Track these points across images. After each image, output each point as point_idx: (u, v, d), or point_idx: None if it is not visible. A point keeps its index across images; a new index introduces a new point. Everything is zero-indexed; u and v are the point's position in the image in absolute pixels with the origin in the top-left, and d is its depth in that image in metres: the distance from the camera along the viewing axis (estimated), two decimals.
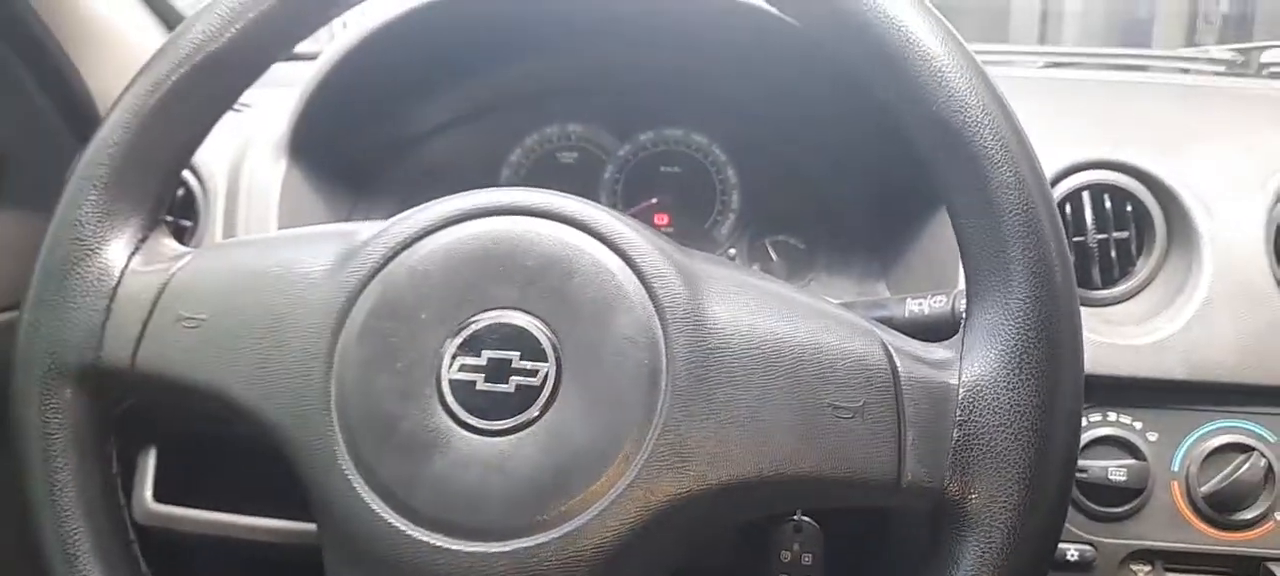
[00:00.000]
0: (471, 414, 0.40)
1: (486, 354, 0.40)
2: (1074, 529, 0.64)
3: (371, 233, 0.44)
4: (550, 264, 0.42)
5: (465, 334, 0.41)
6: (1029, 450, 0.39)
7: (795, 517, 0.63)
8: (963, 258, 0.41)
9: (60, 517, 0.44)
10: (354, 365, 0.41)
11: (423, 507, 0.39)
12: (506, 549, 0.38)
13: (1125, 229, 0.66)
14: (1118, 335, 0.63)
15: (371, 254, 0.43)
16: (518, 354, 0.40)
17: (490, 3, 0.73)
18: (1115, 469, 0.62)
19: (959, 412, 0.39)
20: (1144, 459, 0.63)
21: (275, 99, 0.73)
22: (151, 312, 0.44)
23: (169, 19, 0.90)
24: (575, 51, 0.79)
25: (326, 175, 0.76)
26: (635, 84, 0.81)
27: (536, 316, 0.41)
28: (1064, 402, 0.40)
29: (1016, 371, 0.39)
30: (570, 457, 0.39)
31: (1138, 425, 0.64)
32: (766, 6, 0.46)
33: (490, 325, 0.41)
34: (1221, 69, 0.96)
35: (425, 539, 0.39)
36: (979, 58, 0.42)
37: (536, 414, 0.40)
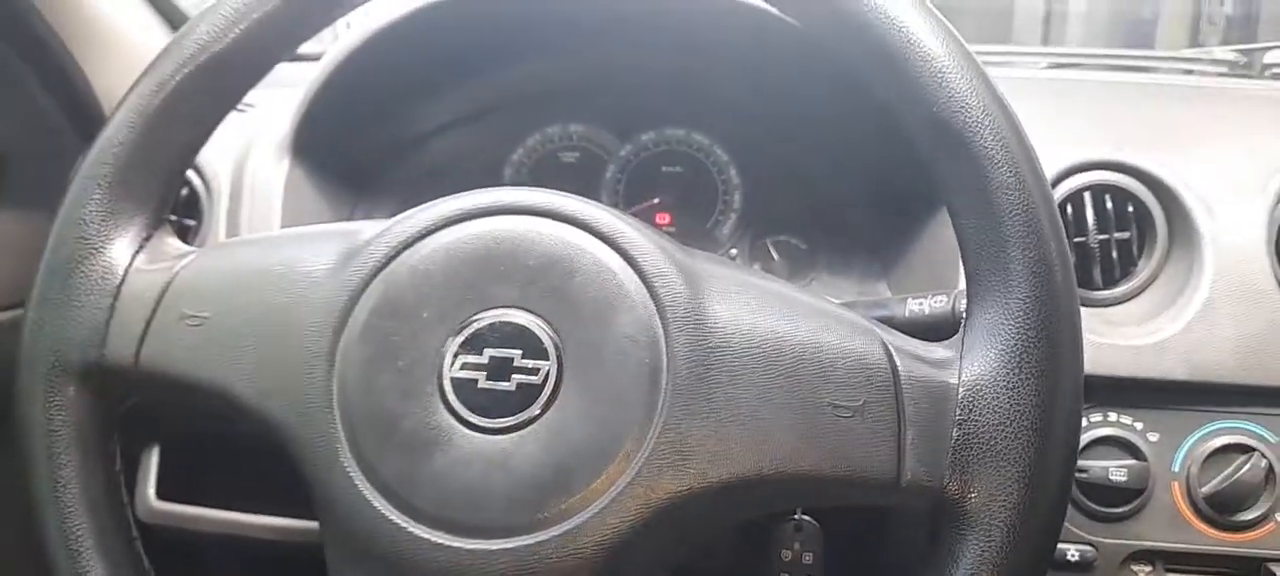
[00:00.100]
0: (473, 412, 0.40)
1: (488, 352, 0.41)
2: (1074, 529, 0.64)
3: (374, 232, 0.44)
4: (552, 263, 0.42)
5: (467, 332, 0.41)
6: (1029, 449, 0.39)
7: (795, 516, 0.63)
8: (963, 257, 0.42)
9: (63, 514, 0.44)
10: (356, 363, 0.41)
11: (424, 505, 0.39)
12: (508, 546, 0.38)
13: (1126, 229, 0.66)
14: (1119, 335, 0.64)
15: (374, 253, 0.43)
16: (519, 352, 0.41)
17: (493, 3, 0.74)
18: (1116, 469, 0.62)
19: (959, 412, 0.39)
20: (1145, 459, 0.63)
21: (279, 99, 0.73)
22: (155, 311, 0.45)
23: (173, 19, 0.90)
24: (577, 52, 0.79)
25: (329, 175, 0.76)
26: (637, 84, 0.81)
27: (538, 315, 0.41)
28: (1064, 402, 0.40)
29: (1016, 371, 0.39)
30: (571, 455, 0.39)
31: (1138, 425, 0.64)
32: (767, 7, 0.46)
33: (492, 323, 0.41)
34: (1224, 70, 0.96)
35: (427, 536, 0.39)
36: (982, 58, 0.42)
37: (538, 412, 0.40)
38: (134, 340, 0.44)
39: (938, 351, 0.42)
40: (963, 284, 0.43)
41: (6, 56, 0.76)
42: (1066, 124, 0.70)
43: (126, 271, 0.46)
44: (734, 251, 0.79)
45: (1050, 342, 0.39)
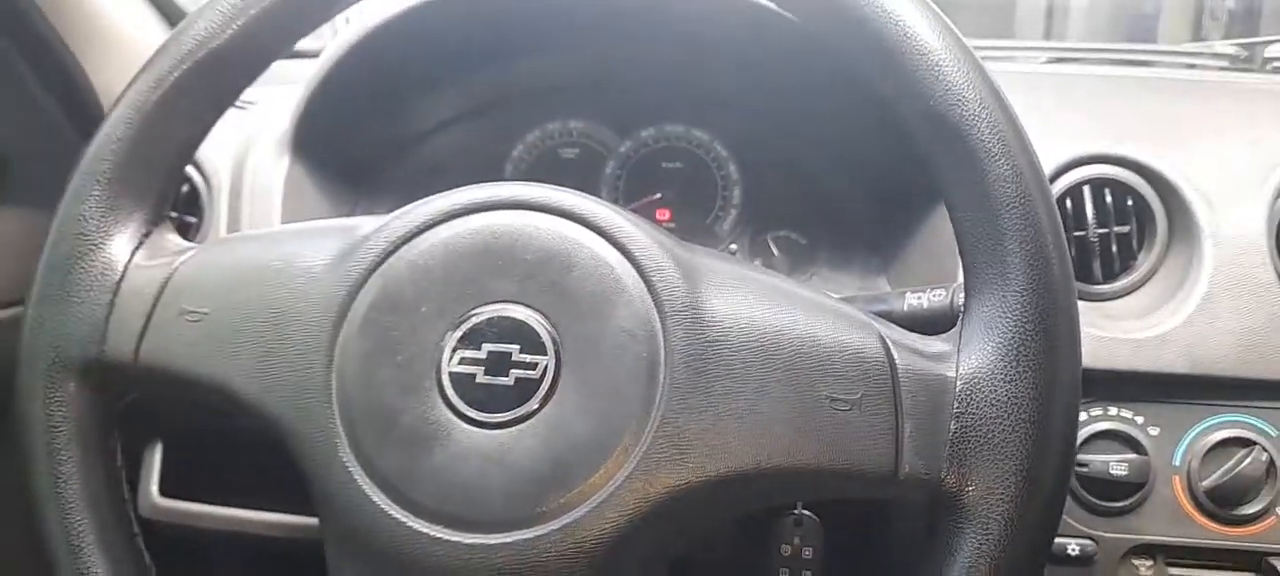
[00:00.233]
0: (471, 407, 0.40)
1: (486, 347, 0.41)
2: (1075, 523, 0.64)
3: (372, 227, 0.44)
4: (549, 258, 0.42)
5: (465, 327, 0.41)
6: (1026, 442, 0.39)
7: (795, 511, 0.63)
8: (960, 251, 0.42)
9: (64, 511, 0.44)
10: (355, 358, 0.41)
11: (423, 500, 0.39)
12: (506, 540, 0.38)
13: (1126, 223, 0.66)
14: (1119, 329, 0.63)
15: (372, 248, 0.43)
16: (517, 347, 0.41)
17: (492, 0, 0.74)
18: (1116, 463, 0.62)
19: (956, 405, 0.39)
20: (1145, 453, 0.63)
21: (279, 96, 0.74)
22: (154, 307, 0.45)
23: (172, 16, 0.90)
24: (577, 48, 0.79)
25: (329, 172, 0.76)
26: (637, 80, 0.81)
27: (536, 310, 0.41)
28: (1061, 395, 0.40)
29: (1014, 364, 0.39)
30: (569, 450, 0.39)
31: (1139, 419, 0.64)
32: (766, 2, 0.46)
33: (490, 318, 0.41)
34: (1226, 64, 0.95)
35: (425, 531, 0.39)
36: (982, 53, 0.42)
37: (536, 406, 0.40)
38: (134, 336, 0.44)
39: (935, 345, 0.42)
40: (961, 278, 0.43)
41: (6, 54, 0.76)
42: (1067, 118, 0.70)
43: (126, 267, 0.46)
44: (734, 247, 0.79)
45: (1047, 335, 0.39)
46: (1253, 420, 0.63)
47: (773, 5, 0.46)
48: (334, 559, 0.43)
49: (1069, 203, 0.66)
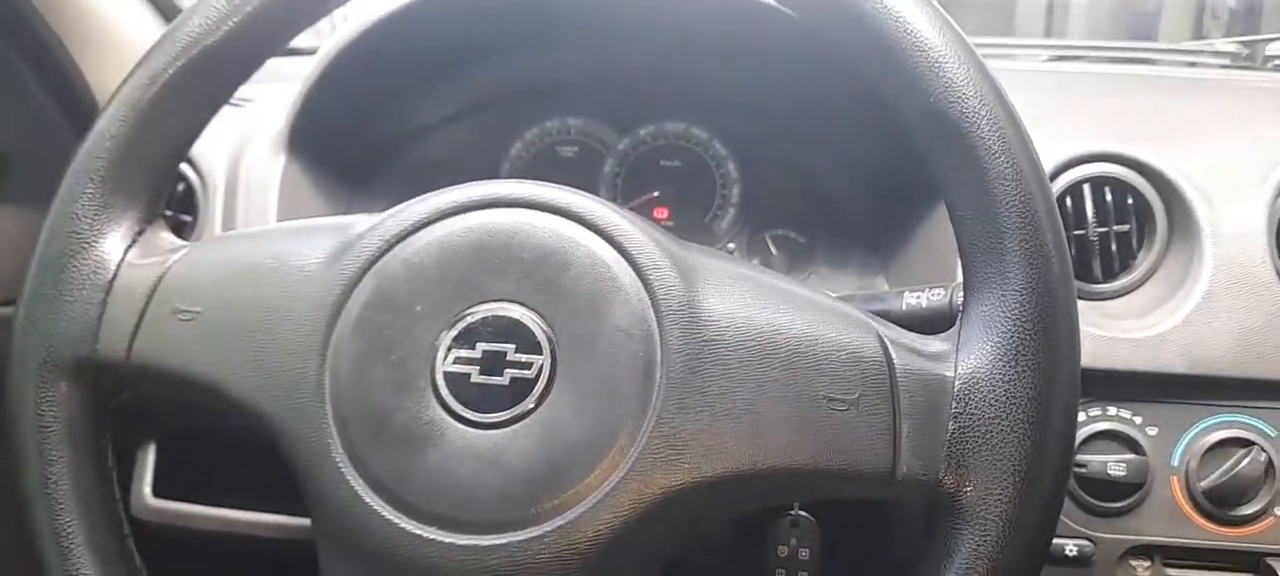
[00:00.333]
0: (466, 406, 0.40)
1: (481, 346, 0.40)
2: (1073, 524, 0.64)
3: (366, 225, 0.44)
4: (545, 256, 0.42)
5: (460, 326, 0.41)
6: (1024, 442, 0.38)
7: (792, 511, 0.63)
8: (960, 250, 0.41)
9: (55, 511, 0.44)
10: (348, 358, 0.41)
11: (416, 500, 0.39)
12: (500, 542, 0.38)
13: (1126, 222, 0.66)
14: (1118, 329, 0.63)
15: (366, 246, 0.43)
16: (513, 346, 0.40)
17: None
18: (1115, 463, 0.62)
19: (954, 405, 0.39)
20: (1143, 453, 0.63)
21: (275, 93, 0.73)
22: (147, 305, 0.44)
23: (169, 15, 0.90)
24: (575, 45, 0.79)
25: (326, 170, 0.76)
26: (636, 78, 0.80)
27: (531, 309, 0.41)
28: (1060, 395, 0.39)
29: (1012, 363, 0.39)
30: (565, 450, 0.39)
31: (1137, 419, 0.64)
32: None
33: (485, 317, 0.41)
34: (1227, 62, 0.95)
35: (419, 532, 0.39)
36: (983, 51, 0.42)
37: (531, 406, 0.40)
38: (126, 335, 0.44)
39: (934, 344, 0.41)
40: (960, 277, 0.43)
41: (4, 53, 0.76)
42: (1067, 116, 0.69)
43: (119, 266, 0.46)
44: (732, 246, 0.79)
45: (1046, 335, 0.39)
46: (1251, 420, 0.63)
47: (773, 2, 0.45)
48: (326, 560, 0.42)
49: (1069, 201, 0.66)
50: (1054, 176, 0.66)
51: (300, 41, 0.55)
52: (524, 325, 0.41)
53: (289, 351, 0.42)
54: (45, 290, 0.45)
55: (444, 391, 0.40)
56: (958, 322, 0.41)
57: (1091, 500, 0.63)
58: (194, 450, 0.69)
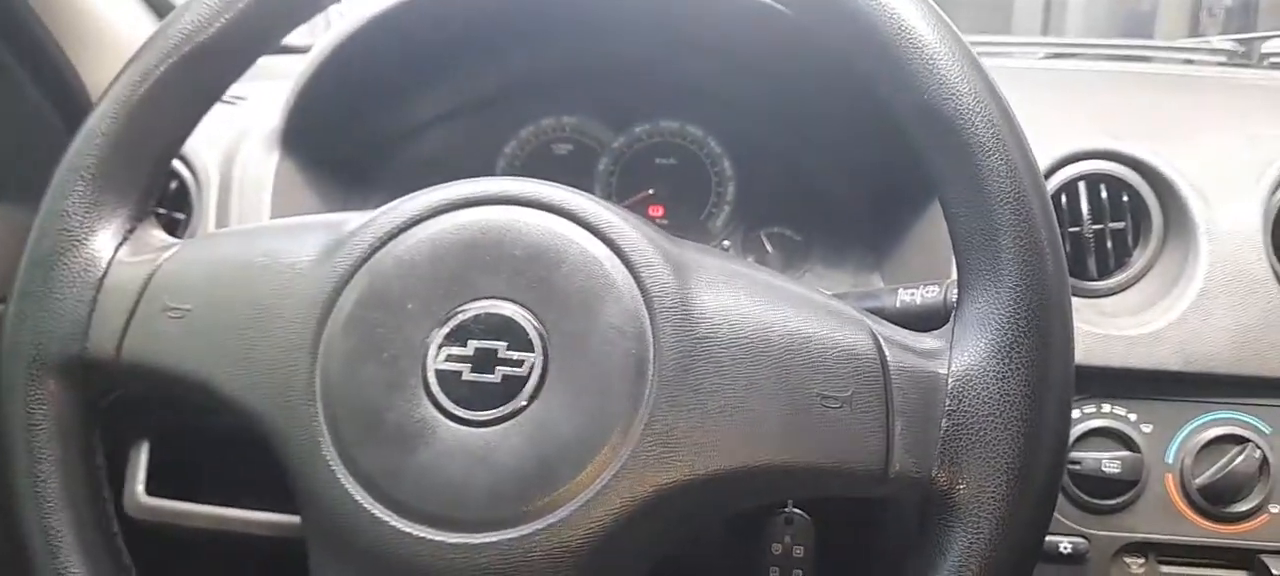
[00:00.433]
0: (457, 404, 0.40)
1: (473, 344, 0.40)
2: (1067, 521, 0.64)
3: (358, 222, 0.44)
4: (538, 253, 0.42)
5: (452, 324, 0.41)
6: (1018, 440, 0.38)
7: (786, 509, 0.63)
8: (954, 246, 0.41)
9: (43, 509, 0.44)
10: (339, 355, 0.41)
11: (407, 499, 0.39)
12: (492, 540, 0.38)
13: (1121, 219, 0.66)
14: (1113, 326, 0.63)
15: (358, 244, 0.43)
16: (504, 344, 0.40)
17: None
18: (1109, 461, 0.62)
19: (948, 402, 0.39)
20: (1138, 450, 0.63)
21: (268, 91, 0.73)
22: (137, 303, 0.44)
23: (164, 12, 0.90)
24: (570, 43, 0.79)
25: (320, 168, 0.76)
26: (631, 76, 0.80)
27: (524, 306, 0.41)
28: (1054, 392, 0.39)
29: (1006, 361, 0.39)
30: (556, 448, 0.39)
31: (1132, 416, 0.64)
32: None
33: (477, 315, 0.41)
34: (1223, 59, 0.95)
35: (410, 530, 0.38)
36: (980, 48, 0.42)
37: (523, 404, 0.39)
38: (116, 333, 0.44)
39: (927, 342, 0.41)
40: (955, 274, 0.43)
41: None
42: (1063, 114, 0.69)
43: (109, 264, 0.45)
44: (727, 243, 0.79)
45: (1040, 332, 0.39)
46: (1246, 417, 0.63)
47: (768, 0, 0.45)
48: (317, 558, 0.42)
49: (1064, 198, 0.66)
50: (1049, 173, 0.66)
51: (294, 39, 0.55)
52: (516, 322, 0.40)
53: (280, 349, 0.42)
54: (35, 287, 0.45)
55: (435, 389, 0.40)
56: (951, 320, 0.41)
57: (1086, 497, 0.63)
58: (186, 448, 0.69)
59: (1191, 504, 0.63)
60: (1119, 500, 0.63)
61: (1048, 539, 0.62)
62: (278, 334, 0.42)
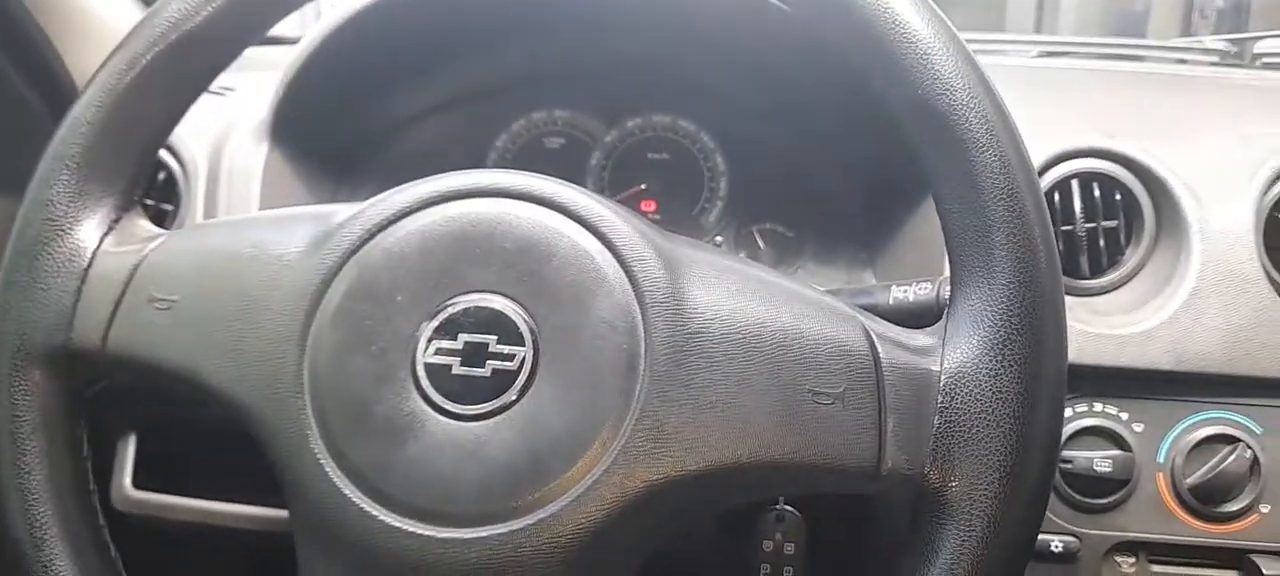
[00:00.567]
0: (447, 398, 0.39)
1: (463, 337, 0.40)
2: (1058, 520, 0.64)
3: (347, 214, 0.43)
4: (529, 247, 0.41)
5: (442, 317, 0.40)
6: (1010, 438, 0.38)
7: (777, 506, 0.62)
8: (947, 243, 0.41)
9: (28, 501, 0.43)
10: (328, 348, 0.40)
11: (396, 493, 0.39)
12: (481, 535, 0.38)
13: (1114, 218, 0.66)
14: (1105, 325, 0.63)
15: (347, 235, 0.42)
16: (495, 337, 0.40)
17: None
18: (1100, 459, 0.62)
19: (940, 399, 0.39)
20: (1129, 449, 0.63)
21: (258, 82, 0.72)
22: (123, 293, 0.44)
23: (150, 1, 0.89)
24: (563, 36, 0.78)
25: (309, 160, 0.75)
26: (623, 70, 0.80)
27: (514, 300, 0.40)
28: (1046, 390, 0.39)
29: (998, 358, 0.39)
30: (547, 443, 0.38)
31: (1124, 415, 0.64)
32: None
33: (467, 308, 0.40)
34: (1215, 59, 0.95)
35: (398, 524, 0.38)
36: (973, 46, 0.41)
37: (513, 398, 0.39)
38: (101, 323, 0.44)
39: (920, 338, 0.41)
40: (948, 271, 0.42)
41: None
42: (1056, 112, 0.69)
43: (94, 253, 0.45)
44: (719, 239, 0.79)
45: (1033, 330, 0.39)
46: (1237, 417, 0.63)
47: None
48: (304, 552, 0.42)
49: (1057, 197, 0.66)
50: (1042, 172, 0.66)
51: (284, 30, 0.55)
52: (506, 316, 0.40)
53: (267, 341, 0.41)
54: (19, 277, 0.44)
55: (425, 382, 0.40)
56: (944, 317, 0.41)
57: (1077, 496, 0.63)
58: (174, 441, 0.69)
59: (1182, 503, 0.63)
60: (1110, 499, 0.63)
61: (1039, 537, 0.62)
62: (265, 325, 0.41)
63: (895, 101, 0.41)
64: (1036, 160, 0.65)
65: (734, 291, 0.41)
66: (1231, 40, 0.99)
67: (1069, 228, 0.65)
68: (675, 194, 0.79)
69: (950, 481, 0.38)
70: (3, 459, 0.43)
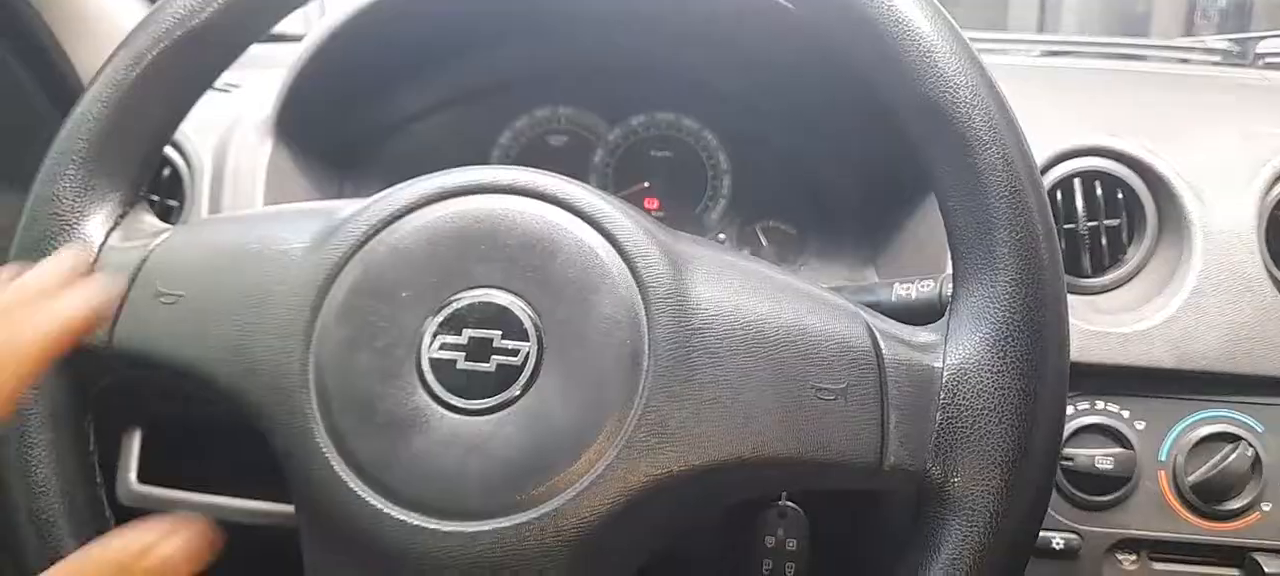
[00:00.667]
0: (452, 393, 0.39)
1: (468, 333, 0.40)
2: (1060, 517, 0.64)
3: (352, 210, 0.43)
4: (533, 243, 0.41)
5: (446, 312, 0.41)
6: (1012, 434, 0.38)
7: (780, 502, 0.63)
8: (949, 240, 0.41)
9: (35, 496, 0.43)
10: (333, 343, 0.41)
11: (401, 487, 0.39)
12: (486, 528, 0.38)
13: (1116, 216, 0.66)
14: (1107, 323, 0.63)
15: (352, 231, 0.42)
16: (499, 333, 0.40)
17: None
18: (1102, 457, 0.62)
19: (943, 396, 0.39)
20: (1131, 447, 0.63)
21: (262, 79, 0.73)
22: (129, 289, 0.44)
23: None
24: (567, 34, 0.78)
25: (314, 156, 0.75)
26: (627, 67, 0.80)
27: (518, 295, 0.41)
28: (1048, 388, 0.39)
29: (1000, 355, 0.39)
30: (551, 438, 0.39)
31: (1125, 413, 0.64)
32: None
33: (472, 304, 0.41)
34: (1218, 59, 0.95)
35: (403, 518, 0.38)
36: (976, 45, 0.42)
37: (517, 393, 0.39)
38: (107, 318, 0.44)
39: (922, 335, 0.41)
40: (950, 269, 0.42)
41: None
42: (1059, 111, 0.69)
43: (101, 249, 0.45)
44: (723, 236, 0.79)
45: (1035, 328, 0.39)
46: (1239, 415, 0.63)
47: None
48: (310, 547, 0.42)
49: (1059, 195, 0.66)
50: (1044, 170, 0.66)
51: (289, 27, 0.55)
52: (511, 312, 0.40)
53: (273, 336, 0.41)
54: None
55: (430, 378, 0.40)
56: (947, 314, 0.41)
57: (1079, 493, 0.63)
58: (180, 436, 0.69)
59: (1184, 501, 0.63)
60: (1112, 497, 0.63)
61: (1041, 534, 0.62)
62: (271, 321, 0.41)
63: (899, 99, 0.41)
64: (1039, 158, 0.65)
65: (737, 287, 0.41)
66: (1234, 40, 0.99)
67: (1071, 226, 0.66)
68: (679, 191, 0.79)
69: (952, 477, 0.39)
70: (10, 453, 0.44)
